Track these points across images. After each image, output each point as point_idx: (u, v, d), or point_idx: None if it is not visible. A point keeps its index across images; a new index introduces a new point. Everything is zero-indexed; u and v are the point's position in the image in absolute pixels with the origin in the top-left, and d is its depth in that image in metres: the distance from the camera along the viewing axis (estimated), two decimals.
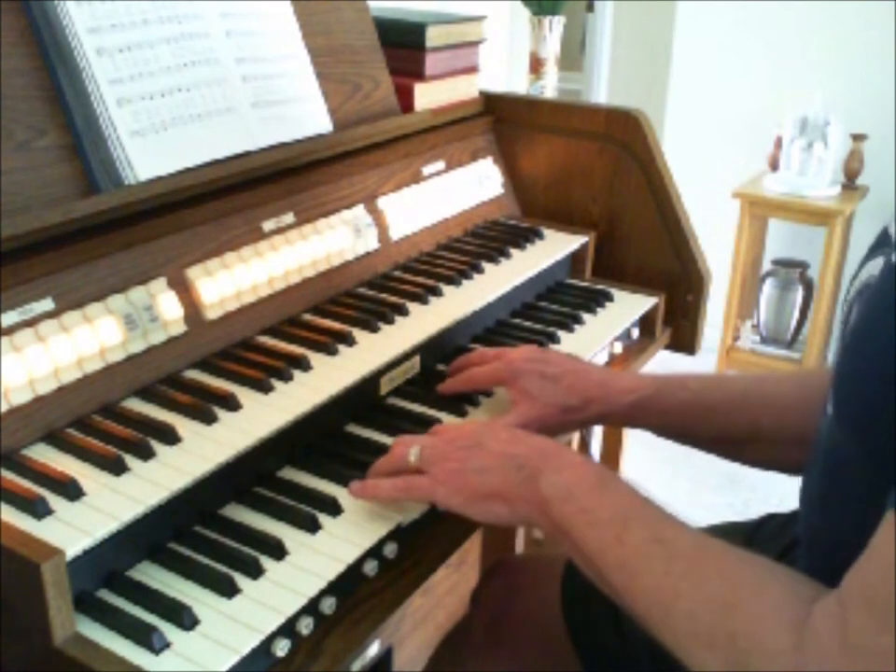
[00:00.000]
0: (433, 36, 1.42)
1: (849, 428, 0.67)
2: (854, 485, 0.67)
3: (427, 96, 1.43)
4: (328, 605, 0.78)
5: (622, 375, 1.01)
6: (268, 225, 1.11)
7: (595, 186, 1.46)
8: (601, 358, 1.26)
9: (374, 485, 0.86)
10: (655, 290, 1.40)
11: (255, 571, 0.79)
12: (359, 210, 1.23)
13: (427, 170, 1.37)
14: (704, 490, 2.64)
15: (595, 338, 1.26)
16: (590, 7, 3.72)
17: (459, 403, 1.06)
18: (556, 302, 1.36)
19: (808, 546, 0.77)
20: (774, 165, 3.04)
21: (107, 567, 0.77)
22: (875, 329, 0.64)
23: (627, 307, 1.36)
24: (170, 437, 0.86)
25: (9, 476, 0.80)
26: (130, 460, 0.83)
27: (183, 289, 1.00)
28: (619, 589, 0.70)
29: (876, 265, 0.72)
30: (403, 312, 1.14)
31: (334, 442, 0.99)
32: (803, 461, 0.81)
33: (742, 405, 0.97)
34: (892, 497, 0.57)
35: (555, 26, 2.96)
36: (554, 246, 1.40)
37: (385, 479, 0.86)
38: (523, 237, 1.39)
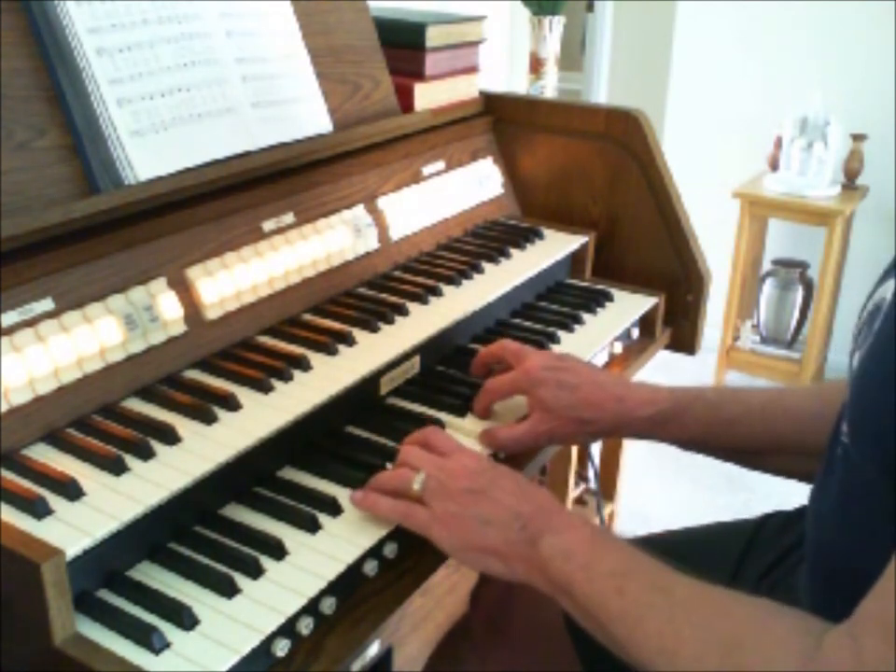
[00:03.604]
0: (433, 36, 1.42)
1: (866, 454, 0.67)
2: (872, 509, 0.67)
3: (427, 96, 1.43)
4: (328, 605, 0.78)
5: (639, 388, 0.99)
6: (268, 225, 1.11)
7: (595, 186, 1.46)
8: (601, 358, 1.26)
9: (375, 501, 0.86)
10: (655, 290, 1.40)
11: (255, 571, 0.79)
12: (359, 210, 1.23)
13: (427, 170, 1.37)
14: (704, 490, 2.64)
15: (595, 338, 1.26)
16: (590, 7, 3.72)
17: (460, 404, 1.06)
18: (556, 302, 1.36)
19: (814, 563, 0.77)
20: (774, 165, 3.04)
21: (107, 567, 0.77)
22: (886, 358, 0.64)
23: (627, 307, 1.36)
24: (170, 437, 0.86)
25: (9, 476, 0.80)
26: (130, 460, 0.83)
27: (183, 289, 1.00)
28: (622, 640, 0.70)
29: (888, 288, 0.72)
30: (403, 312, 1.14)
31: (334, 442, 0.99)
32: None
33: (762, 418, 0.96)
34: None
35: (555, 26, 2.96)
36: (554, 246, 1.40)
37: (386, 497, 0.86)
38: (523, 237, 1.39)
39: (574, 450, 1.81)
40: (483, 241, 1.38)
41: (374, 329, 1.09)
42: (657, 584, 0.70)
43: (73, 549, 0.71)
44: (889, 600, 0.58)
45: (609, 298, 1.37)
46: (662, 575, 0.71)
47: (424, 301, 1.17)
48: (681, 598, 0.69)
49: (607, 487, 2.03)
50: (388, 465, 0.93)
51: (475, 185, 1.45)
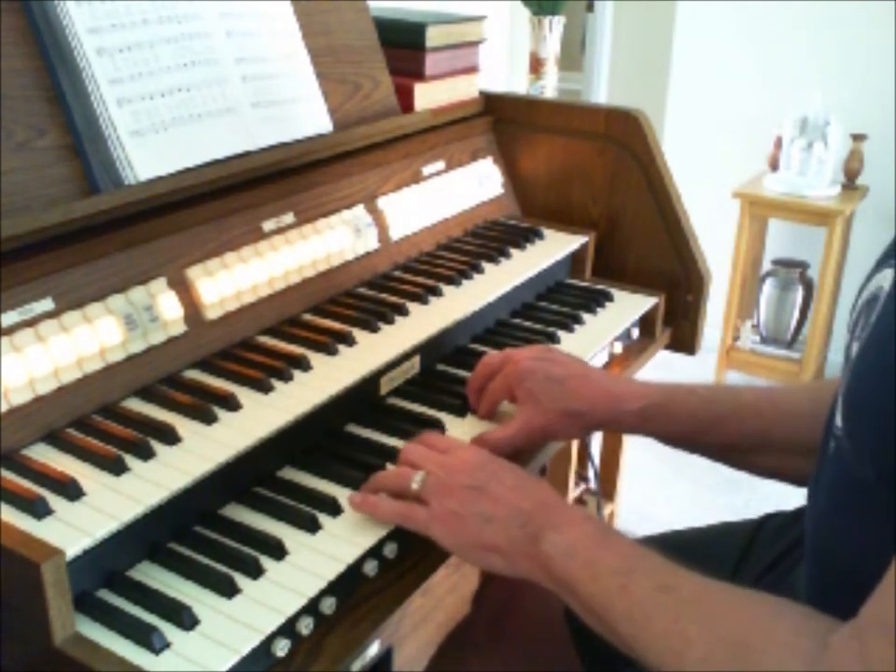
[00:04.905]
0: (433, 36, 1.42)
1: (862, 448, 0.66)
2: (865, 504, 0.66)
3: (427, 96, 1.43)
4: (328, 605, 0.78)
5: (629, 382, 0.99)
6: (268, 225, 1.11)
7: (595, 186, 1.46)
8: (601, 358, 1.26)
9: (374, 503, 0.86)
10: (655, 290, 1.40)
11: (255, 571, 0.79)
12: (359, 210, 1.23)
13: (426, 170, 1.37)
14: (704, 490, 2.64)
15: (595, 338, 1.26)
16: (590, 7, 3.72)
17: (460, 404, 1.06)
18: (556, 302, 1.36)
19: (812, 561, 0.77)
20: (774, 165, 3.04)
21: (107, 567, 0.77)
22: (885, 348, 0.63)
23: (627, 307, 1.36)
24: (170, 437, 0.86)
25: (9, 476, 0.80)
26: (130, 460, 0.83)
27: (183, 289, 1.00)
28: (628, 639, 0.70)
29: (884, 277, 0.71)
30: (403, 312, 1.14)
31: (334, 442, 0.99)
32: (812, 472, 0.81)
33: (753, 414, 0.95)
34: None
35: (555, 26, 2.96)
36: (554, 246, 1.40)
37: (385, 499, 0.86)
38: (523, 237, 1.39)
39: (574, 450, 1.81)
40: (483, 241, 1.38)
41: (374, 329, 1.09)
42: (662, 582, 0.69)
43: (73, 549, 0.71)
44: (892, 602, 0.57)
45: (609, 298, 1.37)
46: (667, 572, 0.71)
47: (424, 301, 1.17)
48: (687, 596, 0.68)
49: (607, 487, 2.03)
50: (388, 465, 0.93)
51: (475, 185, 1.45)
